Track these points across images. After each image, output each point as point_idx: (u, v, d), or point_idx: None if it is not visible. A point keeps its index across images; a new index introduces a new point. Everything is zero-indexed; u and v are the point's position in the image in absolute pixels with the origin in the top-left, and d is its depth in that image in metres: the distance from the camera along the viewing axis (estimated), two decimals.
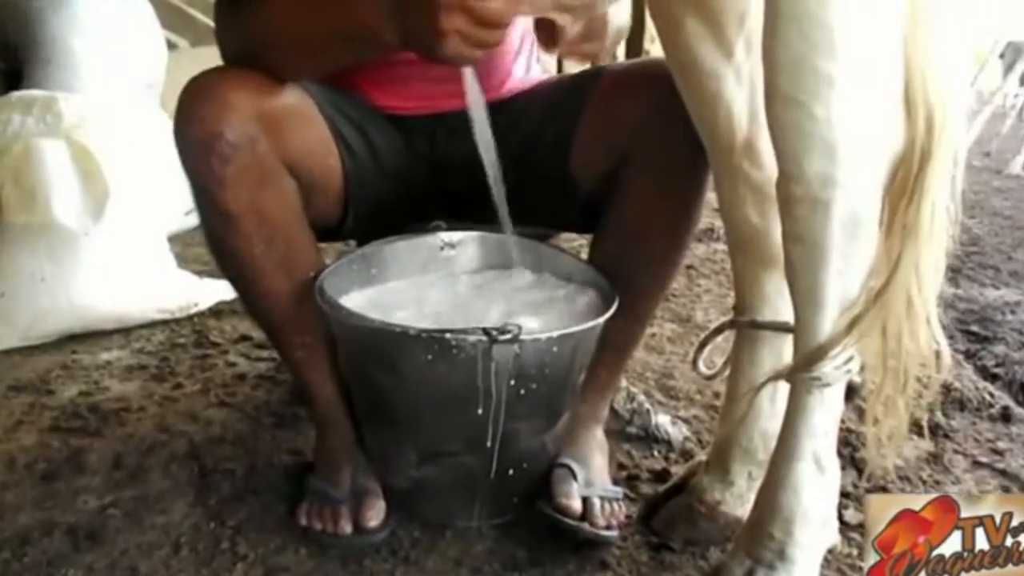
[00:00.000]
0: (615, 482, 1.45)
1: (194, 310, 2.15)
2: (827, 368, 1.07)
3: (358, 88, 1.44)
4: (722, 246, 2.77)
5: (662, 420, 1.69)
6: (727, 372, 1.39)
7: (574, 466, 1.37)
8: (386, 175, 1.42)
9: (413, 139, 1.46)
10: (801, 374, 1.08)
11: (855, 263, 1.03)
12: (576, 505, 1.32)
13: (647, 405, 1.70)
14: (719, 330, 1.39)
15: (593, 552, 1.32)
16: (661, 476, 1.54)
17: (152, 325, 2.09)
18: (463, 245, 1.47)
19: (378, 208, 1.43)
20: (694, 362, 1.44)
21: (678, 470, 1.55)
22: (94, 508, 1.39)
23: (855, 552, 1.36)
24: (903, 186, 1.03)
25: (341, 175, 1.35)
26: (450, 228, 1.46)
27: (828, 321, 1.05)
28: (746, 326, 1.29)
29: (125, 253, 2.02)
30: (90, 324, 2.00)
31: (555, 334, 1.19)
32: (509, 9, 1.05)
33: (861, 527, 1.41)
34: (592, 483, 1.37)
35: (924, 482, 1.56)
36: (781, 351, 1.28)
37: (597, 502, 1.34)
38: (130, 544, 1.31)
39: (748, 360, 1.31)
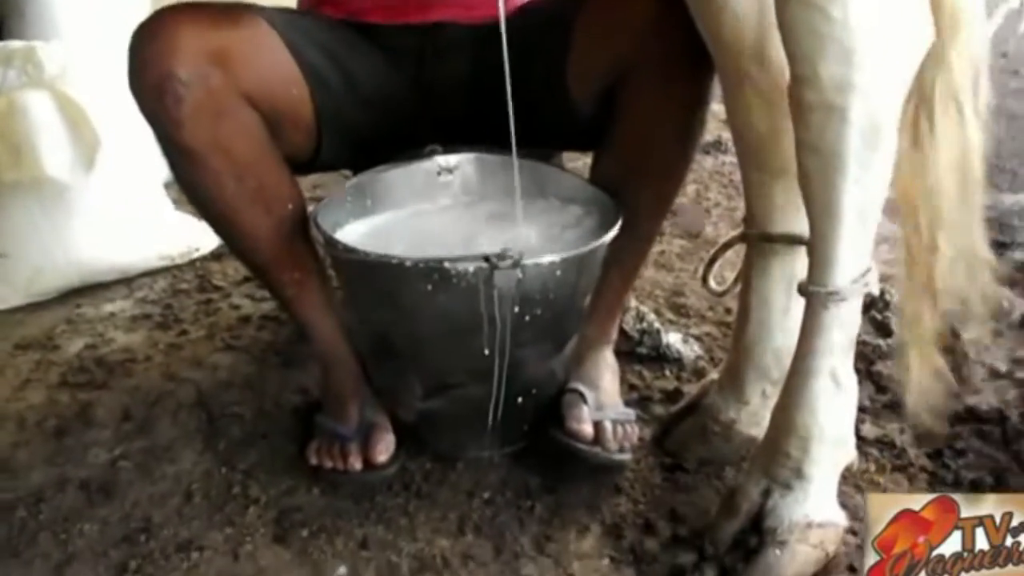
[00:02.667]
0: (627, 404, 1.43)
1: (196, 255, 2.11)
2: (844, 282, 1.04)
3: (335, 3, 1.38)
4: (730, 158, 2.71)
5: (673, 339, 1.66)
6: (738, 288, 1.36)
7: (584, 390, 1.34)
8: (366, 102, 1.36)
9: (398, 59, 1.39)
10: (816, 289, 1.05)
11: (874, 172, 0.99)
12: (588, 430, 1.29)
13: (657, 324, 1.67)
14: (728, 244, 1.35)
15: (607, 477, 1.31)
16: (673, 396, 1.52)
17: (154, 273, 2.06)
18: (461, 169, 1.43)
19: (358, 136, 1.38)
20: (704, 279, 1.41)
21: (690, 390, 1.52)
22: (105, 461, 1.38)
23: (872, 468, 1.34)
24: (928, 90, 0.99)
25: (310, 104, 1.30)
26: (447, 152, 1.42)
27: (846, 232, 1.01)
28: (757, 239, 1.25)
29: (121, 202, 1.98)
30: (91, 277, 1.97)
31: (558, 257, 1.15)
32: None
33: (879, 442, 1.40)
34: (603, 406, 1.34)
35: None
36: (794, 264, 1.24)
37: (609, 426, 1.31)
38: (142, 495, 1.30)
39: (759, 274, 1.28)
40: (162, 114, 1.15)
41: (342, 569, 1.16)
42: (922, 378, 1.20)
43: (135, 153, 1.98)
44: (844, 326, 1.07)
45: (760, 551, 1.09)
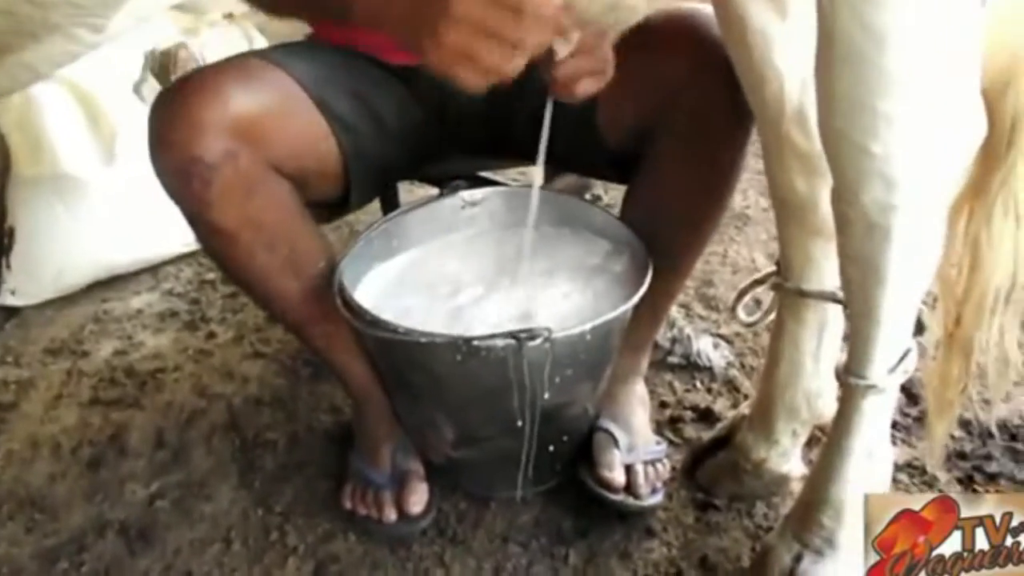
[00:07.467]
0: (658, 426, 1.44)
1: None
2: (881, 375, 1.03)
3: (359, 42, 1.32)
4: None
5: (703, 345, 1.65)
6: (770, 318, 1.34)
7: (615, 431, 1.35)
8: (392, 138, 1.32)
9: (421, 91, 1.34)
10: (855, 381, 1.04)
11: (915, 281, 0.98)
12: (619, 477, 1.30)
13: (688, 331, 1.66)
14: (759, 282, 1.33)
15: (639, 519, 1.32)
16: (705, 415, 1.52)
17: (179, 260, 2.06)
18: (487, 202, 1.40)
19: (385, 171, 1.35)
20: (733, 308, 1.39)
21: (721, 405, 1.53)
22: (143, 499, 1.41)
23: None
24: (988, 191, 0.96)
25: (338, 155, 1.25)
26: (471, 186, 1.39)
27: (883, 333, 1.00)
28: (792, 293, 1.22)
29: (142, 192, 1.94)
30: (116, 269, 1.98)
31: (588, 327, 1.13)
32: (537, 36, 0.90)
33: (909, 466, 1.40)
34: (634, 447, 1.34)
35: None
36: (826, 312, 1.22)
37: (640, 469, 1.32)
38: (182, 542, 1.33)
39: (792, 318, 1.25)
40: (190, 198, 1.11)
41: None
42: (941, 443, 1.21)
43: None
44: (881, 411, 1.07)
45: None
